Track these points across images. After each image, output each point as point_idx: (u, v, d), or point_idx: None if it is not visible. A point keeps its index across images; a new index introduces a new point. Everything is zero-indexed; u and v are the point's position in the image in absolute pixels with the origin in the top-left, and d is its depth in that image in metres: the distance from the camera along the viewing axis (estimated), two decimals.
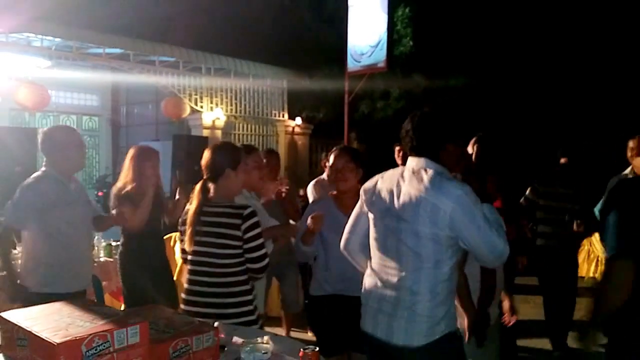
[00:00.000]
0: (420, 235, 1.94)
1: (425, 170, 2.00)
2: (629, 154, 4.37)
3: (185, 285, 2.54)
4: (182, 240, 2.59)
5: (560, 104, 11.06)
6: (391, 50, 8.95)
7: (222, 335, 1.93)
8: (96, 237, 4.50)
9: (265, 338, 1.93)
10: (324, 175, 4.61)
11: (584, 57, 10.80)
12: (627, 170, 4.38)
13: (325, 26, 11.66)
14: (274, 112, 11.20)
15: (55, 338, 1.41)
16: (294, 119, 11.40)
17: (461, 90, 10.98)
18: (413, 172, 2.02)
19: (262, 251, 2.44)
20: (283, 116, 11.32)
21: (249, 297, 2.46)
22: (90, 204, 3.26)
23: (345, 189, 2.84)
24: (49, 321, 1.54)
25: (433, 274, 1.95)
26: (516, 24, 11.07)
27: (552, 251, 4.44)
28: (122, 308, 3.88)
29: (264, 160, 3.83)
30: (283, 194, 3.64)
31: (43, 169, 2.95)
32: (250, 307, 2.45)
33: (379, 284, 2.06)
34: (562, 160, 4.67)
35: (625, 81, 10.33)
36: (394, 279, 2.00)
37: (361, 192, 2.22)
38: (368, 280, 2.13)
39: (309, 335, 4.90)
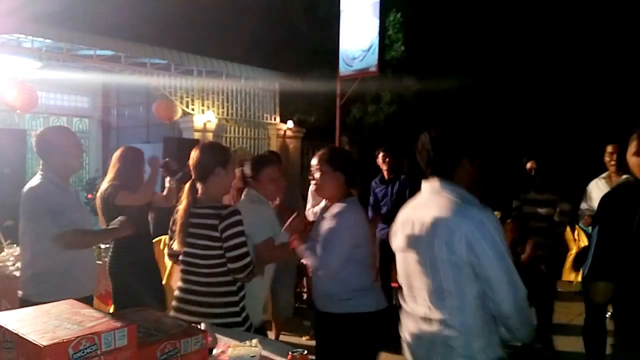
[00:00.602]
0: (438, 262, 1.83)
1: (443, 194, 1.91)
2: (606, 158, 4.41)
3: (178, 284, 2.56)
4: (171, 239, 2.60)
5: (552, 106, 11.14)
6: (383, 54, 9.00)
7: (210, 339, 1.93)
8: None
9: (254, 341, 1.93)
10: None
11: (574, 59, 10.87)
12: (605, 174, 4.43)
13: (317, 30, 11.68)
14: (265, 115, 11.20)
15: (42, 340, 1.40)
16: (285, 122, 11.40)
17: (452, 95, 11.05)
18: (430, 196, 1.96)
19: (241, 250, 2.40)
20: (275, 119, 11.32)
21: (235, 299, 2.46)
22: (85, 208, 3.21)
23: (321, 194, 2.73)
24: (36, 323, 1.53)
25: (458, 304, 1.82)
26: (507, 27, 11.15)
27: (537, 260, 4.32)
28: (111, 311, 3.87)
29: None
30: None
31: (40, 173, 2.82)
32: (236, 309, 2.45)
33: (412, 319, 1.99)
34: (529, 165, 4.67)
35: (617, 79, 10.41)
36: (423, 313, 1.91)
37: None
38: (402, 318, 2.07)
39: (303, 340, 4.92)
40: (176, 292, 2.56)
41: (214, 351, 1.93)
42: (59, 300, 2.52)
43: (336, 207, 2.61)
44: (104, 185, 3.65)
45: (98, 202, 3.60)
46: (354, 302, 2.56)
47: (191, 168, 2.56)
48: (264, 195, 2.96)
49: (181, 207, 2.50)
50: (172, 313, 2.53)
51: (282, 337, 4.86)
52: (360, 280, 2.61)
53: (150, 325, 1.76)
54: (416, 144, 2.06)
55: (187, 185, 2.54)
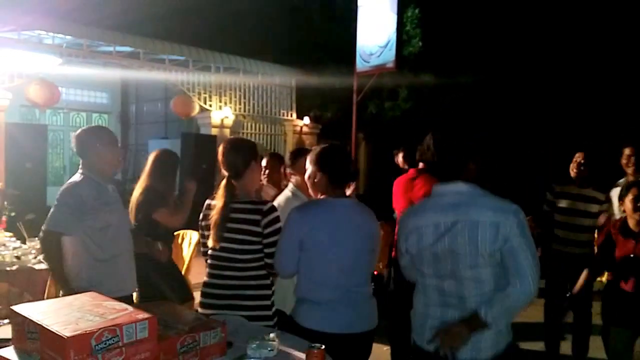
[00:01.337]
0: (479, 258, 1.93)
1: (464, 193, 2.00)
2: (624, 161, 4.18)
3: (205, 279, 2.57)
4: (203, 236, 2.61)
5: (569, 101, 11.03)
6: (400, 50, 8.93)
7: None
8: None
9: (272, 335, 1.94)
10: None
11: (592, 53, 10.75)
12: (622, 180, 4.23)
13: (334, 26, 11.66)
14: (282, 111, 11.23)
15: (66, 332, 1.43)
16: (302, 119, 11.41)
17: (470, 91, 10.96)
18: (458, 196, 2.00)
19: None
20: (291, 115, 11.34)
21: (268, 292, 2.50)
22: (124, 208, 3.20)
23: (308, 194, 2.71)
24: (59, 315, 1.56)
25: (491, 293, 1.94)
26: (524, 23, 11.05)
27: (568, 258, 4.17)
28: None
29: (266, 164, 3.85)
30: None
31: (80, 171, 2.86)
32: (267, 302, 2.49)
33: (438, 302, 2.04)
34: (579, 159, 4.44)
35: (630, 79, 10.32)
36: (455, 300, 1.99)
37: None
38: (423, 300, 2.11)
39: None
40: (204, 288, 2.56)
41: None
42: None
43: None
44: (138, 189, 3.67)
45: (132, 205, 3.62)
46: (292, 312, 2.43)
47: (223, 167, 2.57)
48: (301, 186, 2.96)
49: (219, 203, 2.49)
50: (200, 308, 2.54)
51: None
52: (297, 289, 2.40)
53: (170, 318, 1.79)
54: (421, 145, 2.12)
55: (222, 184, 2.54)
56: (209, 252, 2.56)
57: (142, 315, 1.57)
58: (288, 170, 3.14)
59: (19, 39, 7.66)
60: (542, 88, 11.15)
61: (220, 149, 2.61)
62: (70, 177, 2.89)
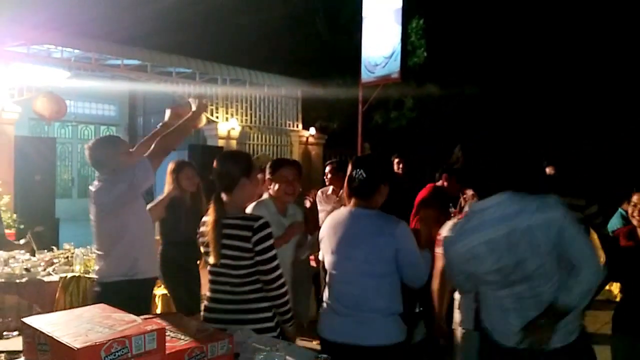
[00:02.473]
0: (544, 257, 1.98)
1: (505, 202, 2.02)
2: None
3: (207, 294, 2.57)
4: (205, 253, 2.61)
5: (572, 110, 11.04)
6: (405, 61, 8.97)
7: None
8: None
9: (279, 346, 1.95)
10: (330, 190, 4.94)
11: (596, 64, 10.79)
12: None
13: (339, 37, 11.74)
14: (288, 122, 11.28)
15: (76, 343, 1.45)
16: (308, 129, 11.46)
17: (474, 100, 10.98)
18: (495, 210, 2.03)
19: (274, 263, 2.41)
20: (297, 126, 11.39)
21: (266, 304, 2.45)
22: None
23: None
24: (69, 327, 1.58)
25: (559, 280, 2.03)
26: (529, 34, 11.08)
27: None
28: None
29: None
30: (308, 206, 3.69)
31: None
32: (269, 314, 2.44)
33: (514, 307, 2.08)
34: (549, 170, 4.50)
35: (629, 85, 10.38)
36: (531, 300, 2.04)
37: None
38: (499, 309, 2.13)
39: (314, 344, 4.92)
40: (206, 302, 2.56)
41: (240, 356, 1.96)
42: (142, 279, 2.89)
43: None
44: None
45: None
46: None
47: (215, 179, 2.55)
48: (276, 196, 3.10)
49: (210, 219, 2.48)
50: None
51: (299, 342, 4.87)
52: None
53: (178, 329, 1.81)
54: (451, 159, 2.16)
55: (213, 198, 2.53)
56: (208, 268, 2.54)
57: (151, 326, 1.59)
58: (267, 179, 3.18)
59: (28, 53, 7.76)
60: (546, 96, 11.16)
61: (215, 161, 2.58)
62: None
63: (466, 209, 2.72)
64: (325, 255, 2.53)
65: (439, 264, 2.97)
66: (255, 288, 2.44)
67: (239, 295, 2.44)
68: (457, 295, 3.06)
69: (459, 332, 3.04)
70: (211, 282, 2.54)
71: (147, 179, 2.86)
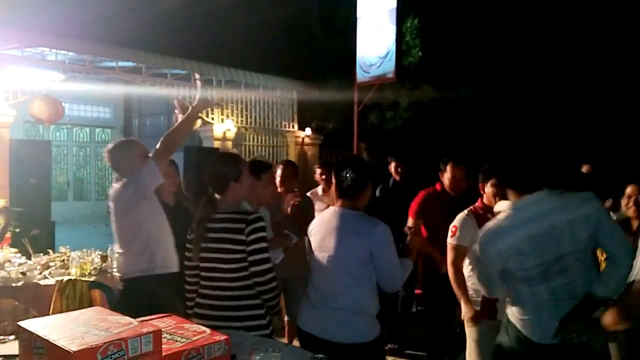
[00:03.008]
0: (584, 251, 2.10)
1: (545, 200, 2.11)
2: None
3: (198, 290, 2.58)
4: (188, 250, 2.63)
5: (568, 110, 11.10)
6: (400, 61, 9.00)
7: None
8: (109, 249, 4.57)
9: (275, 347, 1.96)
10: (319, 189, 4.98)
11: (590, 64, 10.85)
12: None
13: (334, 38, 11.75)
14: (284, 123, 11.28)
15: (72, 346, 1.45)
16: (303, 130, 11.47)
17: (470, 100, 11.01)
18: (537, 207, 2.11)
19: (264, 255, 2.44)
20: (293, 127, 11.40)
21: (258, 301, 2.47)
22: None
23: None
24: (65, 330, 1.58)
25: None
26: (524, 34, 11.12)
27: None
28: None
29: (281, 172, 4.01)
30: (294, 206, 3.69)
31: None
32: (261, 311, 2.47)
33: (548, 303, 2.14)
34: (585, 169, 4.49)
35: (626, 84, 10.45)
36: (565, 295, 2.10)
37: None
38: (532, 305, 2.18)
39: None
40: (197, 298, 2.58)
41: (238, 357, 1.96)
42: (161, 274, 2.93)
43: None
44: None
45: None
46: None
47: (207, 181, 2.60)
48: (262, 199, 3.20)
49: (197, 218, 2.54)
50: (193, 318, 2.53)
51: (295, 342, 4.87)
52: None
53: (174, 331, 1.81)
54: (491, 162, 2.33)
55: (204, 198, 2.58)
56: (200, 264, 2.56)
57: (147, 328, 1.59)
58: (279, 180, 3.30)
59: (23, 56, 7.74)
60: (542, 96, 11.20)
61: (208, 164, 2.64)
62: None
63: (496, 208, 2.81)
64: (310, 250, 2.61)
65: (451, 255, 3.07)
66: (247, 284, 2.45)
67: (230, 290, 2.45)
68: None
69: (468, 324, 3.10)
70: (202, 278, 2.56)
71: (153, 180, 2.92)
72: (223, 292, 2.47)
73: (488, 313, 3.01)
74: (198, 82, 3.27)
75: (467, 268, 3.00)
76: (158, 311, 2.00)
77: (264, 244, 2.45)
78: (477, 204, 3.27)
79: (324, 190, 5.01)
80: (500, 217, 2.22)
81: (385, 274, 2.43)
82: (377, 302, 2.49)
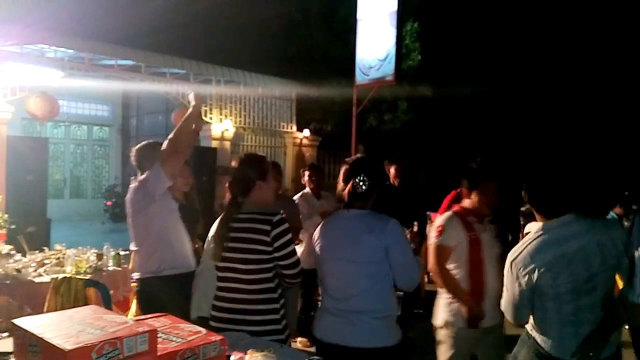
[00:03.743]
0: (611, 271, 2.22)
1: (574, 222, 2.20)
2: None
3: (216, 292, 2.54)
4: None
5: (567, 110, 11.14)
6: (399, 64, 9.01)
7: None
8: (105, 247, 4.55)
9: (271, 348, 1.95)
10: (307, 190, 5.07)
11: (590, 65, 10.89)
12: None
13: (334, 39, 11.76)
14: (282, 123, 11.28)
15: (66, 345, 1.44)
16: (302, 131, 11.46)
17: (469, 103, 11.03)
18: (565, 229, 2.20)
19: (295, 257, 2.45)
20: (291, 128, 11.39)
21: (277, 306, 2.44)
22: None
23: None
24: (60, 328, 1.57)
25: None
26: (522, 36, 11.15)
27: None
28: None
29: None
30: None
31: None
32: (277, 316, 2.43)
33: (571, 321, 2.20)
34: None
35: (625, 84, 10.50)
36: (590, 314, 2.17)
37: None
38: (557, 322, 2.23)
39: (299, 346, 4.92)
40: (214, 301, 2.53)
41: (232, 357, 1.95)
42: (170, 275, 2.96)
43: None
44: None
45: None
46: None
47: (232, 183, 2.57)
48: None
49: (219, 219, 2.52)
50: (211, 322, 2.49)
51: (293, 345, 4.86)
52: None
53: (170, 330, 1.80)
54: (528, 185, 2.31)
55: (228, 201, 2.56)
56: (218, 265, 2.53)
57: (143, 328, 1.58)
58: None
59: (22, 53, 7.72)
60: (541, 102, 11.23)
61: (232, 164, 2.66)
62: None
63: (526, 229, 2.95)
64: (318, 255, 2.53)
65: (437, 255, 2.99)
66: (266, 287, 2.42)
67: (247, 293, 2.41)
68: (443, 294, 3.05)
69: (446, 330, 3.01)
70: (219, 279, 2.53)
71: (159, 184, 2.94)
72: (239, 294, 2.43)
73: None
74: (190, 97, 3.25)
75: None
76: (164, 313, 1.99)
77: (292, 247, 2.47)
78: (462, 205, 3.16)
79: (312, 191, 5.08)
80: (530, 237, 2.25)
81: (401, 270, 2.39)
82: (396, 304, 2.45)
